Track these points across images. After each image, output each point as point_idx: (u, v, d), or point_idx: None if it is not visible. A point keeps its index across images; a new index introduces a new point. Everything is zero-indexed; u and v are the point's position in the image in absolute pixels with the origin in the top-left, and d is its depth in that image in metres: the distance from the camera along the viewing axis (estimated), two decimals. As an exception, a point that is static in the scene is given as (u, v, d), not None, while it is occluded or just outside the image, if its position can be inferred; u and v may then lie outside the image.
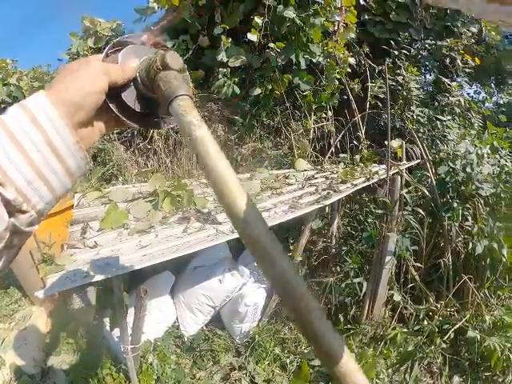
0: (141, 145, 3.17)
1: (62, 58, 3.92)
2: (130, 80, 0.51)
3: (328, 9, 3.70)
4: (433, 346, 2.55)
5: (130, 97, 0.52)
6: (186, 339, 2.62)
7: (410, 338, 2.69)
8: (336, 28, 3.76)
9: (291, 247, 2.64)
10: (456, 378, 2.58)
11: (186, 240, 1.99)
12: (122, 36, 0.55)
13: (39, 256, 1.94)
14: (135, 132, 3.21)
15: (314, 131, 3.57)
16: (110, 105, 0.50)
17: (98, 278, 1.60)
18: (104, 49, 0.53)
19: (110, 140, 3.20)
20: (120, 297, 1.82)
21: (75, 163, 0.43)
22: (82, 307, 2.71)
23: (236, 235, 1.98)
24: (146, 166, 3.11)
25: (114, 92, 0.49)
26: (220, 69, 3.24)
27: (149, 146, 3.17)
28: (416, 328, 2.75)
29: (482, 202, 3.24)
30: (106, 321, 2.45)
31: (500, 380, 2.49)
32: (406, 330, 2.75)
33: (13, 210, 0.37)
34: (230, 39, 3.35)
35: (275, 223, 2.05)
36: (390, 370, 2.62)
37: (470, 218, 3.15)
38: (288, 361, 2.57)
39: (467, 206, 3.17)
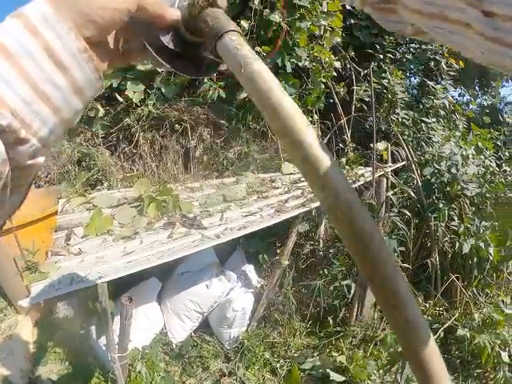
0: (126, 149, 3.13)
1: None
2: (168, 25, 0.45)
3: (314, 13, 3.74)
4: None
5: (165, 37, 0.46)
6: (174, 346, 2.58)
7: (399, 338, 2.70)
8: (322, 32, 3.80)
9: (278, 251, 2.64)
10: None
11: (172, 246, 1.98)
12: None
13: (23, 263, 1.91)
14: (120, 136, 3.17)
15: (300, 134, 3.57)
16: (149, 48, 0.45)
17: (83, 285, 1.59)
18: None
19: (94, 145, 3.16)
20: (105, 305, 1.79)
21: (83, 76, 0.34)
22: (67, 316, 2.66)
23: (221, 240, 1.97)
24: (131, 171, 3.08)
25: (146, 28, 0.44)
26: (206, 73, 3.23)
27: (134, 151, 3.14)
28: (405, 328, 2.76)
29: (468, 201, 3.30)
30: (93, 329, 2.41)
31: (491, 376, 2.51)
32: (395, 330, 2.76)
33: (10, 138, 0.30)
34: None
35: (262, 227, 2.04)
36: (381, 371, 2.62)
37: (456, 217, 3.20)
38: (278, 365, 2.55)
39: (453, 206, 3.23)
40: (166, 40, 0.45)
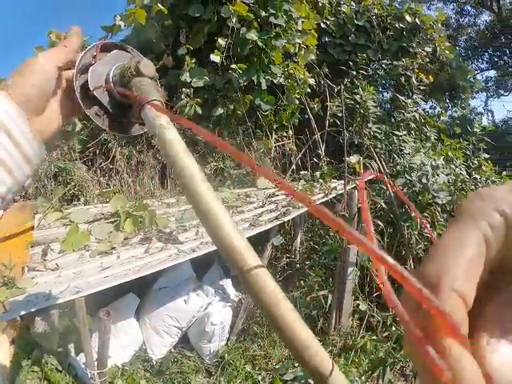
0: (103, 164, 3.13)
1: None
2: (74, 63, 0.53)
3: (289, 31, 3.89)
4: (403, 351, 2.62)
5: (104, 99, 0.54)
6: (154, 362, 2.54)
7: (379, 344, 2.75)
8: (297, 50, 3.94)
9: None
10: (431, 378, 2.65)
11: (148, 260, 1.99)
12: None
13: None
14: (97, 151, 3.17)
15: (276, 150, 3.69)
16: (86, 111, 0.53)
17: (61, 300, 1.59)
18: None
19: (71, 159, 3.14)
20: (84, 319, 1.78)
21: (31, 149, 0.47)
22: (45, 332, 2.59)
23: (197, 254, 2.00)
24: (107, 186, 3.06)
25: (90, 95, 0.53)
26: (183, 89, 3.30)
27: (111, 166, 3.14)
28: (385, 334, 2.82)
29: (440, 209, 3.44)
30: (71, 346, 2.35)
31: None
32: (375, 337, 2.81)
33: None
34: (194, 60, 3.44)
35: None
36: (363, 378, 2.65)
37: (428, 225, 3.33)
38: (260, 378, 2.55)
39: (425, 214, 3.36)
40: (103, 100, 0.54)
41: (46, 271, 1.86)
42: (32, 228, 2.28)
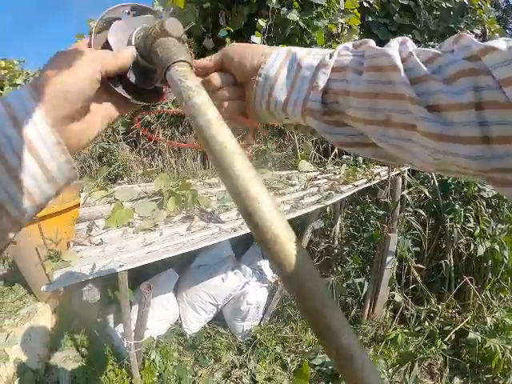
0: (146, 145, 3.21)
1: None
2: (128, 66, 0.46)
3: (331, 11, 3.74)
4: (433, 347, 2.55)
5: (133, 74, 0.47)
6: (188, 337, 2.64)
7: (410, 338, 2.70)
8: (340, 30, 3.79)
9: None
10: (456, 380, 2.58)
11: (190, 238, 2.03)
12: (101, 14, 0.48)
13: (45, 253, 1.99)
14: (140, 133, 3.26)
15: (318, 133, 3.58)
16: (116, 89, 0.46)
17: (104, 273, 1.65)
18: (90, 33, 0.47)
19: (115, 141, 3.25)
20: (125, 291, 1.86)
21: (56, 166, 0.37)
22: (86, 304, 2.75)
23: (238, 233, 2.02)
24: (151, 166, 3.15)
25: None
26: (224, 71, 3.27)
27: (154, 147, 3.21)
28: (417, 329, 2.76)
29: (484, 203, 3.24)
30: (110, 318, 2.48)
31: (501, 382, 2.48)
32: (406, 330, 2.76)
33: None
34: (235, 41, 3.40)
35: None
36: (390, 370, 2.62)
37: (471, 219, 3.16)
38: (289, 360, 2.58)
39: (469, 207, 3.18)
40: (132, 76, 0.47)
41: (90, 246, 1.93)
42: (78, 205, 2.39)
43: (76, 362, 2.40)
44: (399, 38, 0.43)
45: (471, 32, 5.22)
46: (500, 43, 0.33)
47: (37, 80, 0.38)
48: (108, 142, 3.25)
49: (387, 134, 0.41)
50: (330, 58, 0.44)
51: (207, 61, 0.53)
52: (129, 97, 0.48)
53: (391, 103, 0.39)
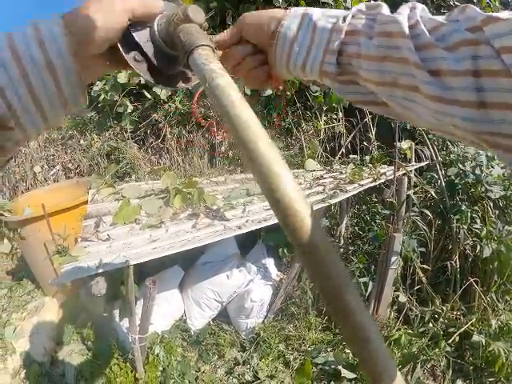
0: (154, 144, 3.25)
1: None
2: (151, 19, 0.48)
3: (339, 9, 3.72)
4: (437, 349, 2.54)
5: (148, 50, 0.49)
6: (192, 333, 2.67)
7: (414, 339, 2.68)
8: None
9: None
10: (459, 383, 2.56)
11: (195, 235, 2.05)
12: None
13: (53, 248, 2.03)
14: (148, 131, 3.29)
15: (325, 132, 3.59)
16: (140, 73, 0.48)
17: (111, 268, 1.67)
18: None
19: (123, 139, 3.29)
20: (131, 286, 1.89)
21: (72, 92, 0.41)
22: (92, 298, 2.79)
23: (243, 231, 2.04)
24: (158, 164, 3.19)
25: (132, 41, 0.47)
26: (232, 71, 3.28)
27: (161, 145, 3.24)
28: (421, 330, 2.74)
29: (492, 204, 3.21)
30: (116, 312, 2.52)
31: (503, 386, 2.46)
32: (410, 331, 2.75)
33: None
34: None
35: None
36: (393, 371, 2.62)
37: (478, 220, 3.12)
38: (292, 358, 2.59)
39: (476, 208, 3.15)
40: (138, 36, 0.47)
41: (97, 241, 1.96)
42: (86, 202, 2.42)
43: (81, 355, 2.44)
44: (409, 4, 0.46)
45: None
46: (504, 14, 0.35)
47: (69, 15, 0.40)
48: (116, 140, 3.29)
49: (395, 95, 0.44)
50: (344, 20, 0.47)
51: (224, 34, 0.56)
52: (151, 80, 0.50)
53: (398, 66, 0.42)
